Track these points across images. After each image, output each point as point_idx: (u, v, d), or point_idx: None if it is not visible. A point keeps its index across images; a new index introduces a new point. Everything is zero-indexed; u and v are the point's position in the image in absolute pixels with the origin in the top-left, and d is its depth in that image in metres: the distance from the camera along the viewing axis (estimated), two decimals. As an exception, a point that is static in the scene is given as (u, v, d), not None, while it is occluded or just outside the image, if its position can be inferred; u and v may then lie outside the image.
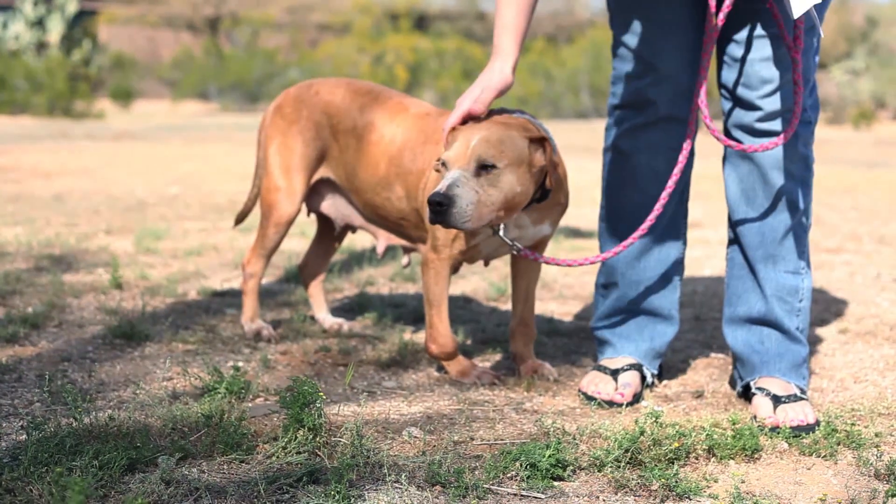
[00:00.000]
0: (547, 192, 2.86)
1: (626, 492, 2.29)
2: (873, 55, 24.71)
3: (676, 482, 2.28)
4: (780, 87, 2.81)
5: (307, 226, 5.58)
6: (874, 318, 4.01)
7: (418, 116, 3.20)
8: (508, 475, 2.34)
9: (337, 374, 3.16)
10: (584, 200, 6.30)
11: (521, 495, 2.25)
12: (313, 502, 2.12)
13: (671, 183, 2.88)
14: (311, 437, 2.41)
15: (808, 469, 2.47)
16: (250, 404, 2.79)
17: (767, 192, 2.91)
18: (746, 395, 2.98)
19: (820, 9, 2.80)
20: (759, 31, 2.81)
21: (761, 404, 2.83)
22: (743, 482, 2.36)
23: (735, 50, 2.87)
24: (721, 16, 2.75)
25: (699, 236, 5.91)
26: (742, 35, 2.84)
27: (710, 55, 2.82)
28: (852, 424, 2.66)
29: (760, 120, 2.85)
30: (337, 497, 2.13)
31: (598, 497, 2.26)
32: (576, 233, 5.95)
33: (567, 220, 6.00)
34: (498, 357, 3.41)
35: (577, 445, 2.52)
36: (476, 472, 2.35)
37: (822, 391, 3.12)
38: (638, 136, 3.03)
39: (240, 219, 3.75)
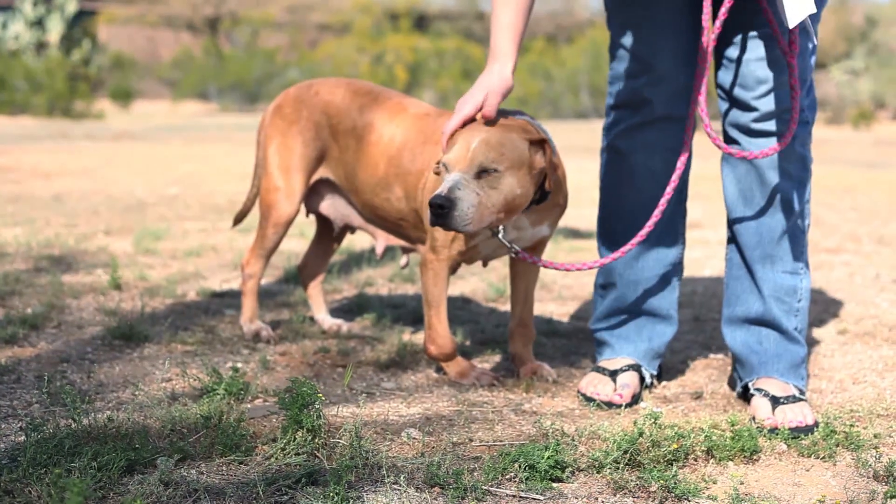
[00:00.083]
0: (546, 193, 2.86)
1: (625, 493, 2.29)
2: (873, 55, 24.71)
3: (675, 483, 2.28)
4: (776, 88, 2.82)
5: (306, 226, 5.58)
6: (873, 318, 4.01)
7: (417, 117, 3.20)
8: (507, 476, 2.34)
9: (336, 375, 3.16)
10: (584, 201, 6.30)
11: (520, 497, 2.25)
12: (312, 503, 2.13)
13: (669, 189, 2.88)
14: (309, 438, 2.41)
15: (807, 470, 2.47)
16: (249, 405, 2.79)
17: (765, 192, 2.91)
18: (746, 396, 2.98)
19: (813, 17, 2.80)
20: (753, 31, 2.81)
21: (760, 405, 2.83)
22: (742, 483, 2.36)
23: (730, 50, 2.87)
24: (717, 23, 2.76)
25: (698, 237, 5.91)
26: (737, 36, 2.85)
27: (706, 63, 2.81)
28: (851, 426, 2.66)
29: (757, 120, 2.85)
30: (336, 498, 2.13)
31: (596, 498, 2.26)
32: (575, 233, 5.95)
33: (566, 221, 6.00)
34: (497, 358, 3.41)
35: (575, 447, 2.52)
36: (475, 474, 2.35)
37: (821, 392, 3.12)
38: (634, 135, 3.03)
39: (238, 219, 3.74)
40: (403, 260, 3.50)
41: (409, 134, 3.16)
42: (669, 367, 3.36)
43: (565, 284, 4.62)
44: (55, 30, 21.65)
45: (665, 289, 3.13)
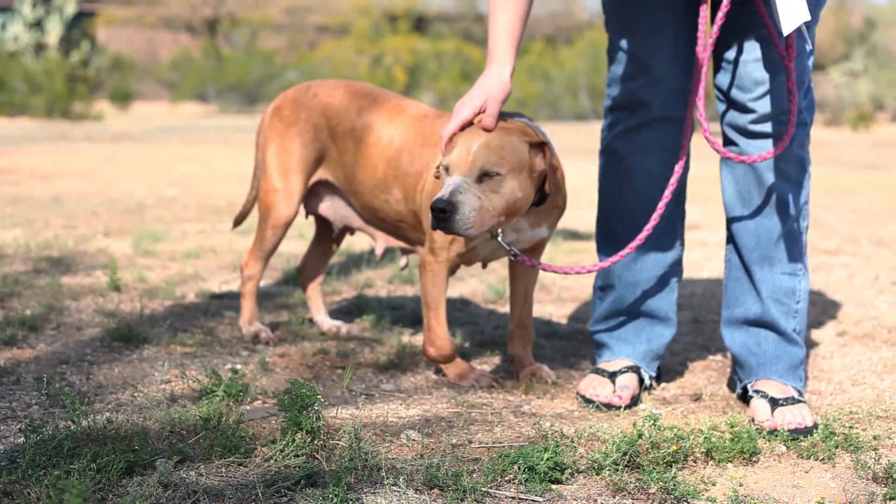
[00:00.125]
0: (545, 195, 2.86)
1: (624, 495, 2.29)
2: (872, 57, 24.73)
3: (674, 485, 2.28)
4: (773, 90, 2.82)
5: (305, 228, 5.58)
6: (872, 320, 4.01)
7: (416, 118, 3.20)
8: (506, 478, 2.34)
9: (335, 376, 3.16)
10: (583, 202, 6.30)
11: (520, 498, 2.25)
12: (311, 505, 2.13)
13: (668, 193, 2.89)
14: (309, 439, 2.41)
15: (806, 472, 2.47)
16: (248, 407, 2.79)
17: (763, 193, 2.91)
18: (745, 397, 2.98)
19: (811, 20, 2.81)
20: (751, 33, 2.82)
21: (759, 407, 2.83)
22: (741, 485, 2.36)
23: (728, 52, 2.88)
24: (715, 27, 2.76)
25: (697, 238, 5.92)
26: (735, 38, 2.85)
27: (703, 67, 2.82)
28: (850, 427, 2.66)
29: (755, 122, 2.86)
30: (335, 500, 2.13)
31: (595, 500, 2.26)
32: (574, 235, 5.95)
33: (565, 223, 6.00)
34: (496, 360, 3.41)
35: (575, 448, 2.52)
36: (474, 476, 2.35)
37: (820, 394, 3.12)
38: (632, 137, 3.04)
39: (238, 221, 3.75)
40: (403, 261, 3.50)
41: (407, 136, 3.16)
42: (669, 368, 3.36)
43: (564, 286, 4.62)
44: (54, 31, 21.65)
45: (664, 290, 3.13)
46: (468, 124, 2.78)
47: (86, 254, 4.99)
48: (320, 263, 3.74)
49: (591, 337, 3.22)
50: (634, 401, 2.99)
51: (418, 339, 3.56)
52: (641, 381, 3.09)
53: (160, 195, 7.59)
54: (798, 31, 2.78)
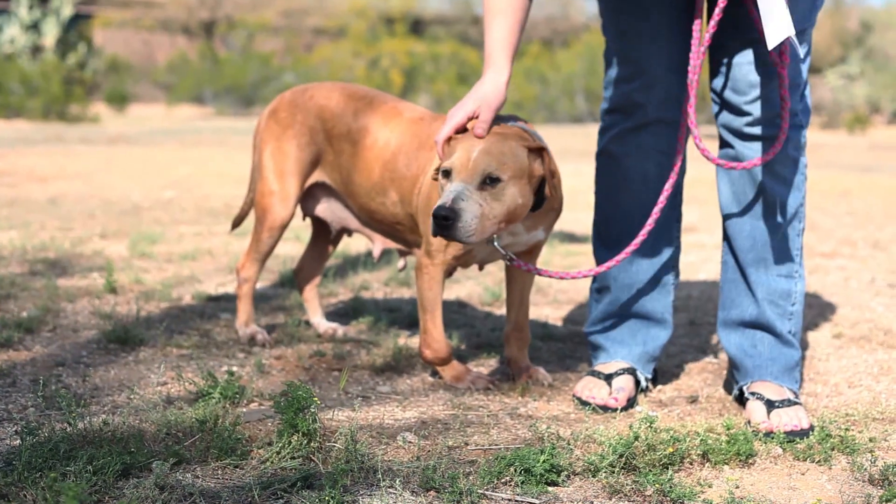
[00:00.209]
0: (542, 199, 2.86)
1: (621, 497, 2.29)
2: (868, 60, 24.78)
3: (671, 487, 2.28)
4: (769, 93, 2.83)
5: (302, 230, 5.58)
6: (868, 322, 4.01)
7: (412, 121, 3.20)
8: (503, 480, 2.34)
9: (331, 378, 3.16)
10: (579, 205, 6.30)
11: (516, 500, 2.25)
12: (307, 508, 2.13)
13: (663, 198, 2.89)
14: (305, 442, 2.41)
15: (803, 474, 2.47)
16: (245, 409, 2.79)
17: (758, 195, 2.92)
18: (741, 399, 2.99)
19: (809, 23, 2.82)
20: (745, 36, 2.82)
21: (755, 409, 2.84)
22: (737, 487, 2.36)
23: (723, 55, 2.88)
24: (707, 36, 2.77)
25: (694, 241, 5.92)
26: (730, 41, 2.85)
27: (694, 75, 2.82)
28: (846, 429, 2.66)
29: (750, 125, 2.86)
30: (331, 502, 2.12)
31: (592, 502, 2.26)
32: (570, 237, 5.95)
33: (562, 225, 6.00)
34: (492, 362, 3.41)
35: (571, 451, 2.52)
36: (470, 478, 2.35)
37: (817, 396, 3.12)
38: (627, 139, 3.04)
39: (236, 223, 3.75)
40: (401, 263, 3.50)
41: (403, 138, 3.16)
42: (665, 370, 3.36)
43: (561, 288, 4.62)
44: (51, 33, 21.65)
45: (659, 292, 3.14)
46: (462, 129, 2.79)
47: (82, 256, 4.99)
48: (317, 265, 3.73)
49: (587, 339, 3.23)
50: (631, 403, 3.00)
51: (415, 342, 3.56)
52: (637, 383, 3.09)
53: (157, 197, 7.59)
54: (789, 39, 2.79)
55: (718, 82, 2.91)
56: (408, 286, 4.55)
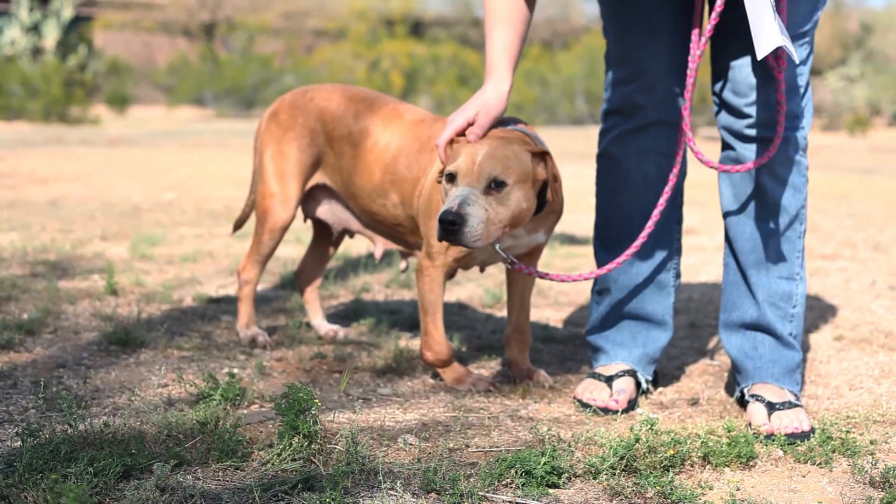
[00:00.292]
0: (544, 203, 2.86)
1: (622, 499, 2.29)
2: (868, 62, 24.79)
3: (671, 490, 2.28)
4: (768, 95, 2.83)
5: (302, 232, 5.59)
6: (869, 325, 4.01)
7: (413, 123, 3.20)
8: (503, 482, 2.34)
9: (332, 380, 3.16)
10: (580, 206, 6.30)
11: (517, 503, 2.25)
12: (308, 510, 2.12)
13: (662, 200, 2.89)
14: (306, 444, 2.41)
15: (804, 476, 2.47)
16: (245, 411, 2.79)
17: (758, 197, 2.92)
18: (742, 401, 2.99)
19: (811, 23, 2.82)
20: (745, 38, 2.82)
21: (756, 411, 2.84)
22: (738, 490, 2.36)
23: (723, 58, 2.88)
24: (703, 40, 2.77)
25: (695, 243, 5.92)
26: (730, 43, 2.85)
27: (690, 78, 2.83)
28: (847, 432, 2.66)
29: (750, 126, 2.87)
30: (332, 504, 2.13)
31: (593, 504, 2.26)
32: (571, 239, 5.95)
33: (562, 227, 6.01)
34: (493, 364, 3.41)
35: (572, 453, 2.52)
36: (471, 480, 2.35)
37: (818, 398, 3.12)
38: (627, 141, 3.04)
39: (238, 225, 3.75)
40: (403, 264, 3.50)
41: (404, 140, 3.16)
42: (666, 373, 3.36)
43: (562, 291, 4.62)
44: (51, 35, 21.66)
45: (660, 294, 3.14)
46: (461, 134, 2.81)
47: (83, 258, 4.99)
48: (318, 267, 3.74)
49: (588, 341, 3.23)
50: (631, 405, 2.99)
51: (416, 344, 3.56)
52: (638, 384, 3.09)
53: (157, 199, 7.59)
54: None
55: (719, 84, 2.91)
56: (409, 288, 4.55)
